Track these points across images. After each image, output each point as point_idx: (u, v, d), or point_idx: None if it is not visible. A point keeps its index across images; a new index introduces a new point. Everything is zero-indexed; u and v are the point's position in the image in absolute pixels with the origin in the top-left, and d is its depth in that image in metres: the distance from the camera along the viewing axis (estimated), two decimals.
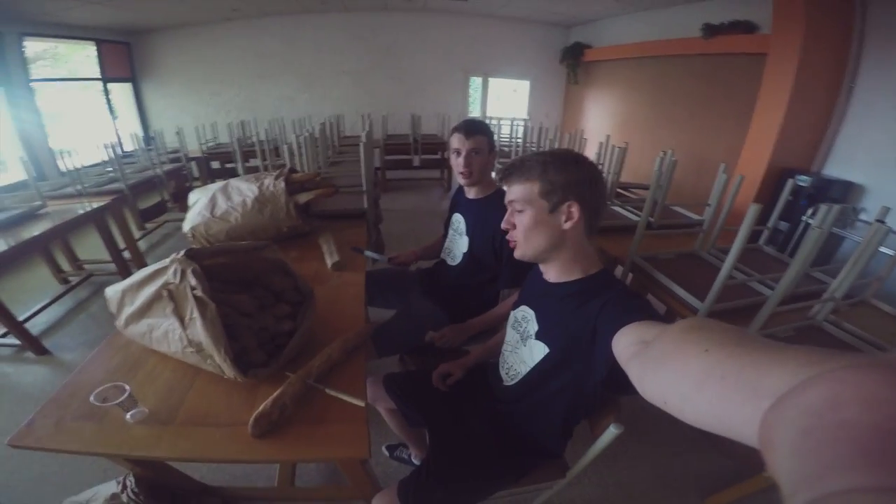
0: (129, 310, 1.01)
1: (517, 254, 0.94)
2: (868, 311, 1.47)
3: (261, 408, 0.85)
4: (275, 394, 0.88)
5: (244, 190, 1.61)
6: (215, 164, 4.86)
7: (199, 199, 1.68)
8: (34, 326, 2.39)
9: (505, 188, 0.93)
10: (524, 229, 0.89)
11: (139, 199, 3.37)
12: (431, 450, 1.11)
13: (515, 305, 1.11)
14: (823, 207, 1.12)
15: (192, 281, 0.86)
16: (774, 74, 3.22)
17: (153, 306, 0.96)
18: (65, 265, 3.03)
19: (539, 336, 0.96)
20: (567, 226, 0.85)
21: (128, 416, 0.88)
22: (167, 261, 0.92)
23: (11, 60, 4.40)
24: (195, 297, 0.85)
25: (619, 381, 0.60)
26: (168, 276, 0.90)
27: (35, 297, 2.66)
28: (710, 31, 4.10)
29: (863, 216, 2.93)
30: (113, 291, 1.05)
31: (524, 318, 1.03)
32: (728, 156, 3.51)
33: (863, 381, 0.21)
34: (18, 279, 2.99)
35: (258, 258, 1.03)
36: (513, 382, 1.06)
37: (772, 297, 1.14)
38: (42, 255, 2.87)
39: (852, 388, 0.21)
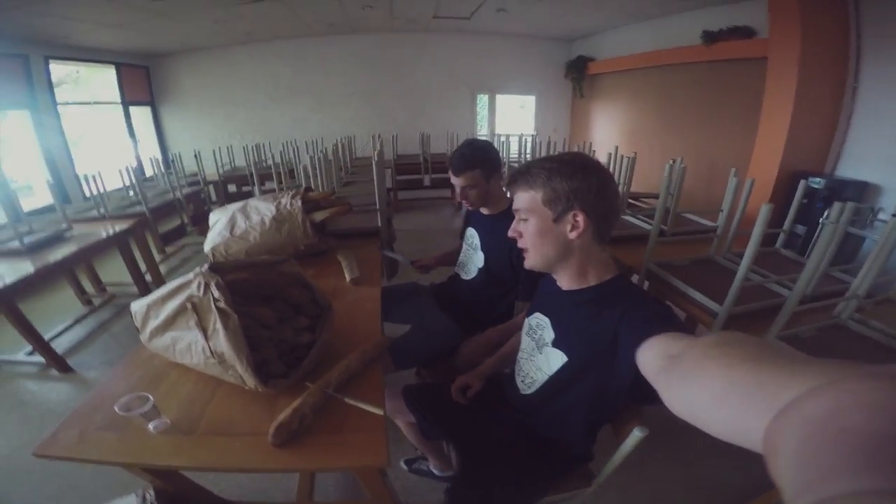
0: (153, 323, 1.04)
1: (527, 264, 0.92)
2: (894, 309, 1.42)
3: (281, 417, 0.86)
4: (294, 403, 0.89)
5: (262, 209, 1.65)
6: (232, 188, 4.99)
7: (219, 220, 1.73)
8: (58, 346, 2.46)
9: (511, 195, 0.92)
10: (531, 239, 0.88)
11: (159, 222, 3.48)
12: (461, 465, 1.10)
13: (529, 312, 1.10)
14: (838, 204, 1.11)
15: (216, 293, 0.88)
16: (777, 77, 3.22)
17: (177, 319, 0.98)
18: (88, 287, 3.12)
19: (556, 344, 0.95)
20: (573, 235, 0.83)
21: (150, 426, 0.90)
22: (191, 275, 0.95)
23: (38, 83, 4.51)
24: (218, 308, 0.88)
25: (643, 392, 0.60)
26: (192, 289, 0.93)
27: (59, 318, 2.74)
28: (710, 37, 4.14)
29: (881, 216, 2.87)
30: (138, 306, 1.08)
31: (539, 326, 1.02)
32: (739, 161, 3.48)
33: (865, 390, 0.22)
34: (44, 300, 3.07)
35: (278, 272, 1.06)
36: (530, 391, 1.04)
37: (791, 295, 1.13)
38: (66, 276, 2.96)
39: (855, 396, 0.22)
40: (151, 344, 1.07)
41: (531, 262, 0.91)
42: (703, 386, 0.38)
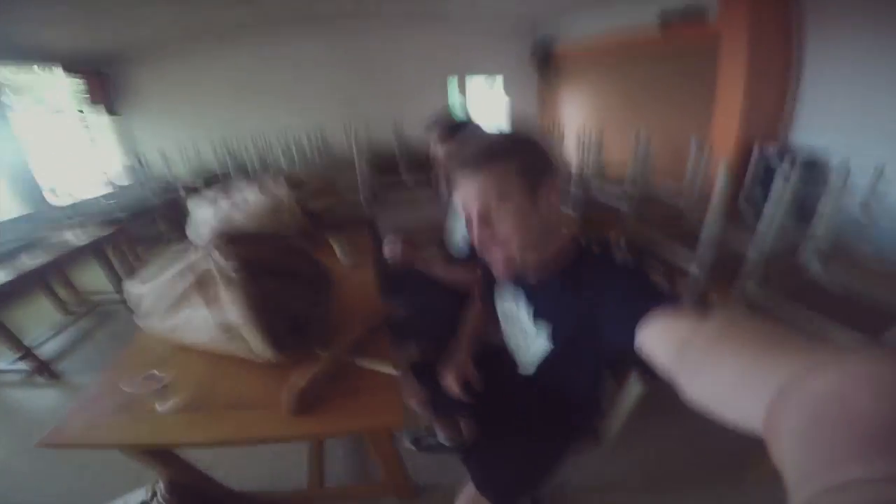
0: (156, 304, 1.03)
1: (507, 272, 0.81)
2: (857, 260, 1.52)
3: (298, 385, 0.87)
4: (310, 371, 0.91)
5: (248, 196, 1.66)
6: (201, 187, 4.85)
7: (201, 209, 1.71)
8: (42, 354, 2.39)
9: (464, 184, 0.75)
10: (511, 232, 0.74)
11: (136, 229, 3.39)
12: (477, 433, 1.10)
13: (494, 292, 1.05)
14: (788, 158, 1.22)
15: (225, 263, 0.90)
16: (729, 54, 3.42)
17: (181, 297, 0.98)
18: (68, 297, 3.03)
19: (538, 331, 0.92)
20: (553, 209, 0.75)
21: (161, 407, 0.90)
22: (195, 247, 0.96)
23: None
24: (228, 279, 0.89)
25: (645, 367, 0.59)
26: (199, 262, 0.93)
27: (39, 328, 2.68)
28: (665, 17, 4.31)
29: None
30: (136, 288, 1.07)
31: (511, 313, 1.00)
32: (703, 135, 3.64)
33: (871, 372, 0.21)
34: (23, 312, 2.93)
35: (281, 247, 1.08)
36: (527, 370, 1.02)
37: (755, 241, 1.22)
38: (44, 287, 2.85)
39: (860, 379, 0.21)
40: (153, 326, 1.07)
41: (520, 261, 0.79)
42: (714, 377, 0.37)
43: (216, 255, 0.94)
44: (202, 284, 0.96)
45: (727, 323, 0.41)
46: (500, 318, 1.07)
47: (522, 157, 0.72)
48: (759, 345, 0.34)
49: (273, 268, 1.06)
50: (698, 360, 0.41)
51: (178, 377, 0.98)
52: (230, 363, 1.02)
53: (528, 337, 0.95)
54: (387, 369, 0.96)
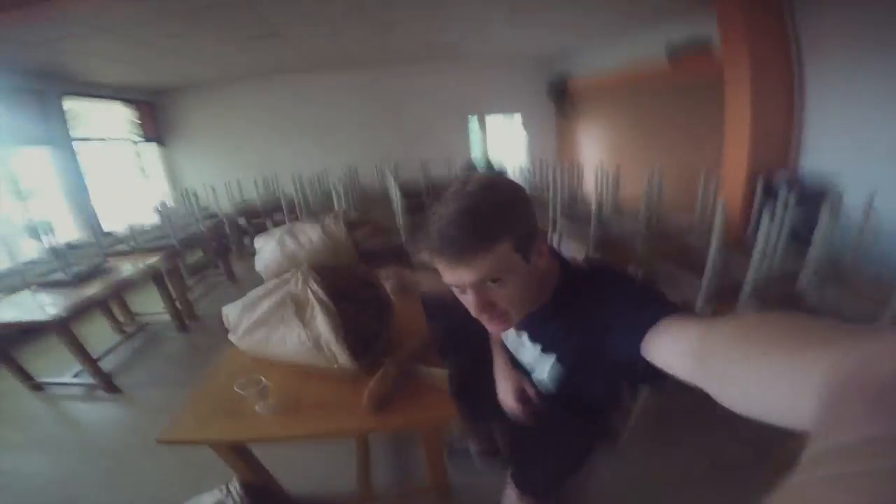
0: (247, 322, 1.23)
1: (505, 329, 0.82)
2: (853, 283, 1.66)
3: (371, 386, 1.07)
4: (378, 374, 1.10)
5: (308, 231, 1.89)
6: (241, 221, 5.16)
7: (266, 243, 1.95)
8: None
9: (457, 269, 0.70)
10: (512, 298, 0.74)
11: (183, 255, 3.65)
12: (511, 443, 1.22)
13: None
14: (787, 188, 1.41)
15: (315, 287, 1.12)
16: (733, 83, 3.47)
17: (273, 314, 1.19)
18: (123, 317, 3.27)
19: (542, 352, 0.94)
20: (543, 263, 0.76)
21: (258, 407, 1.08)
22: (287, 275, 1.18)
23: (54, 120, 4.53)
24: (318, 299, 1.11)
25: (645, 375, 0.60)
26: (290, 286, 1.16)
27: (94, 346, 2.79)
28: (674, 51, 4.43)
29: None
30: (231, 308, 1.29)
31: (514, 341, 1.03)
32: (715, 166, 3.72)
33: (892, 342, 0.23)
34: (82, 330, 3.16)
35: (354, 277, 1.30)
36: (543, 385, 1.01)
37: (754, 264, 1.40)
38: (101, 307, 3.05)
39: (885, 349, 0.23)
40: (244, 340, 1.26)
41: (515, 317, 0.79)
42: (747, 380, 0.36)
43: (310, 284, 1.16)
44: (297, 307, 1.17)
45: (744, 323, 0.40)
46: (508, 345, 1.11)
47: (514, 232, 0.69)
48: (788, 338, 0.33)
49: (348, 295, 1.28)
50: (724, 366, 0.40)
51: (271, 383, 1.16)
52: (310, 373, 1.21)
53: (535, 359, 0.98)
54: (439, 373, 1.15)
